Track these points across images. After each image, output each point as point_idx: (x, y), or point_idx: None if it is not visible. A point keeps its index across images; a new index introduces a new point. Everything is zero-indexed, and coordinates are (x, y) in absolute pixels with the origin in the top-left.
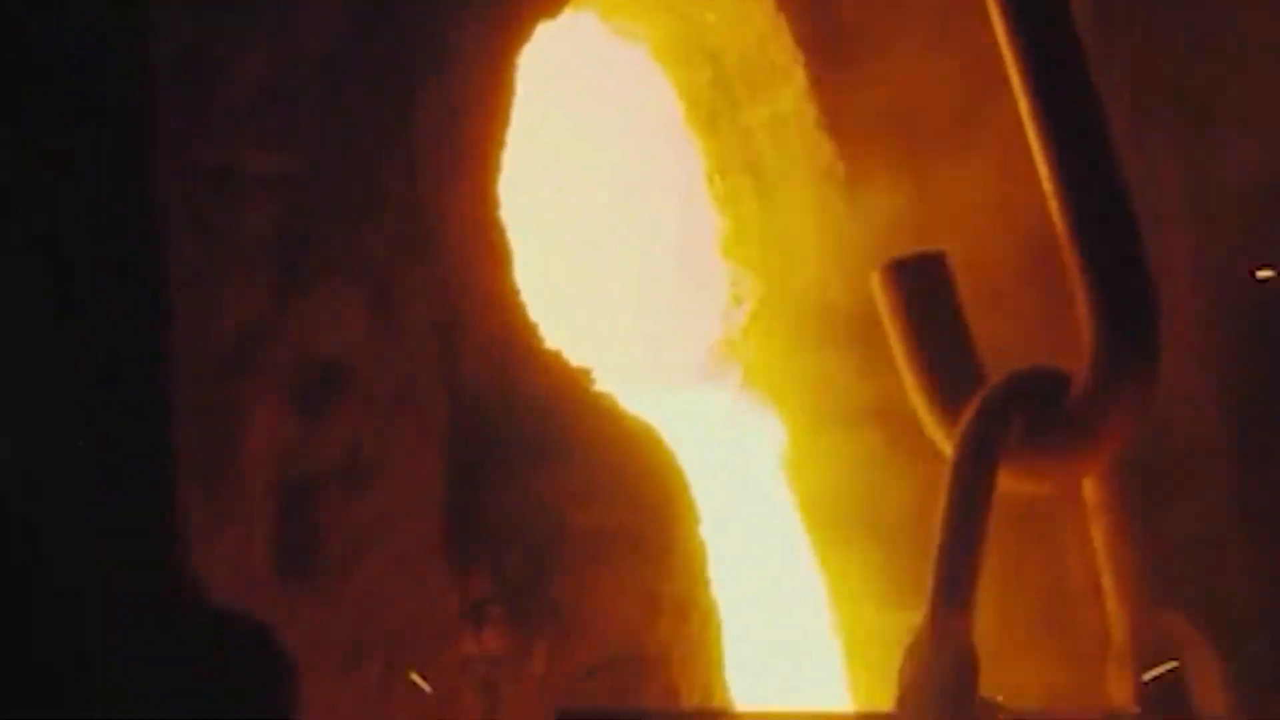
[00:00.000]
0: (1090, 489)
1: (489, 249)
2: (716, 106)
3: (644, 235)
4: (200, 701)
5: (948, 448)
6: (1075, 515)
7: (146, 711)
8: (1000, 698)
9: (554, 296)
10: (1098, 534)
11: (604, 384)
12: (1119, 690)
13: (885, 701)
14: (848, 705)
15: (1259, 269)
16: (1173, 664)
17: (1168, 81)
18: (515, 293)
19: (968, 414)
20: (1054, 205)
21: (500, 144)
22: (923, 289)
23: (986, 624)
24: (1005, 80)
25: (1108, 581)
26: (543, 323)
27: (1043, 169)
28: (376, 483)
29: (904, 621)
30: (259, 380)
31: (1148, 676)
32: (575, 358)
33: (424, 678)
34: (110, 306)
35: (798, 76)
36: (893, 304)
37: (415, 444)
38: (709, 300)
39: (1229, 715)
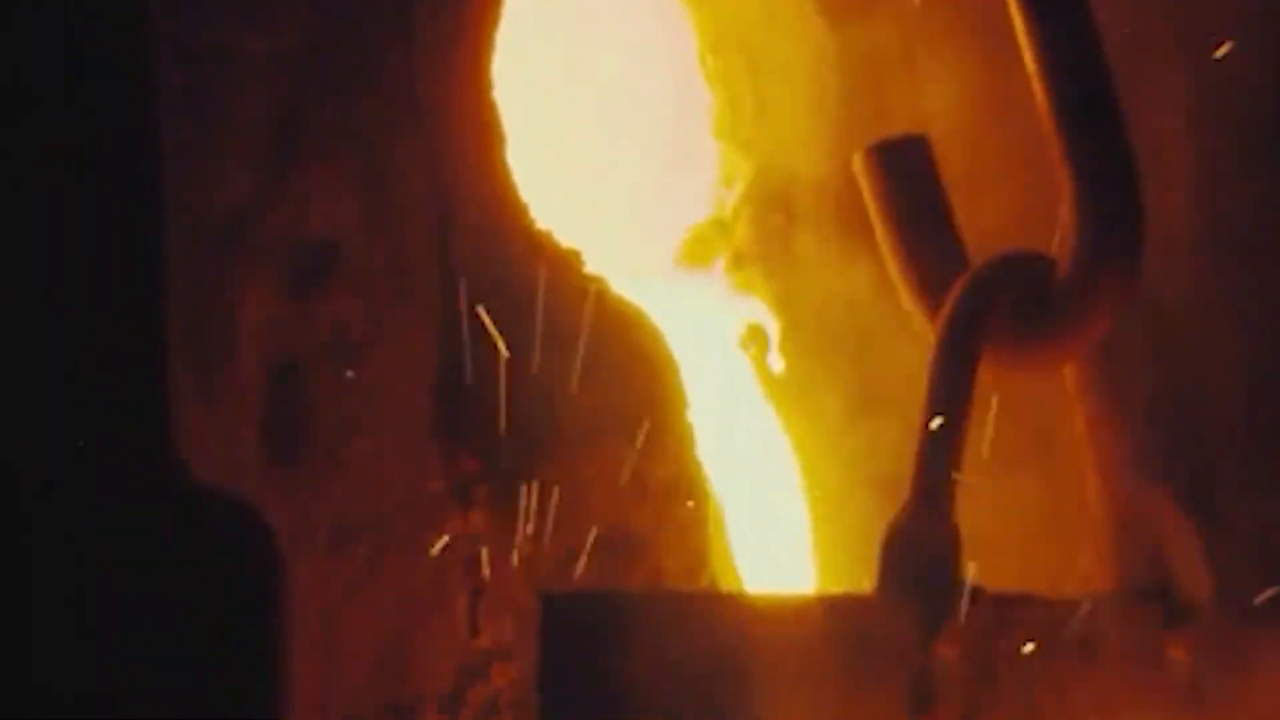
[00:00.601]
0: (1074, 373)
1: (482, 129)
2: None
3: (634, 114)
4: (188, 581)
5: (931, 332)
6: (1063, 400)
7: (134, 589)
8: (983, 582)
9: (543, 177)
10: (1081, 418)
11: (593, 266)
12: (1103, 572)
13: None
14: (829, 585)
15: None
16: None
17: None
18: (507, 173)
19: (950, 298)
20: (1037, 91)
21: (495, 22)
22: (905, 172)
23: (970, 510)
24: None
25: (1092, 465)
26: (533, 204)
27: (1027, 56)
28: (367, 363)
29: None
30: (250, 259)
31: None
32: (565, 240)
33: (410, 558)
34: (101, 185)
35: None
36: (875, 187)
37: (407, 325)
38: (699, 181)
39: (1211, 597)
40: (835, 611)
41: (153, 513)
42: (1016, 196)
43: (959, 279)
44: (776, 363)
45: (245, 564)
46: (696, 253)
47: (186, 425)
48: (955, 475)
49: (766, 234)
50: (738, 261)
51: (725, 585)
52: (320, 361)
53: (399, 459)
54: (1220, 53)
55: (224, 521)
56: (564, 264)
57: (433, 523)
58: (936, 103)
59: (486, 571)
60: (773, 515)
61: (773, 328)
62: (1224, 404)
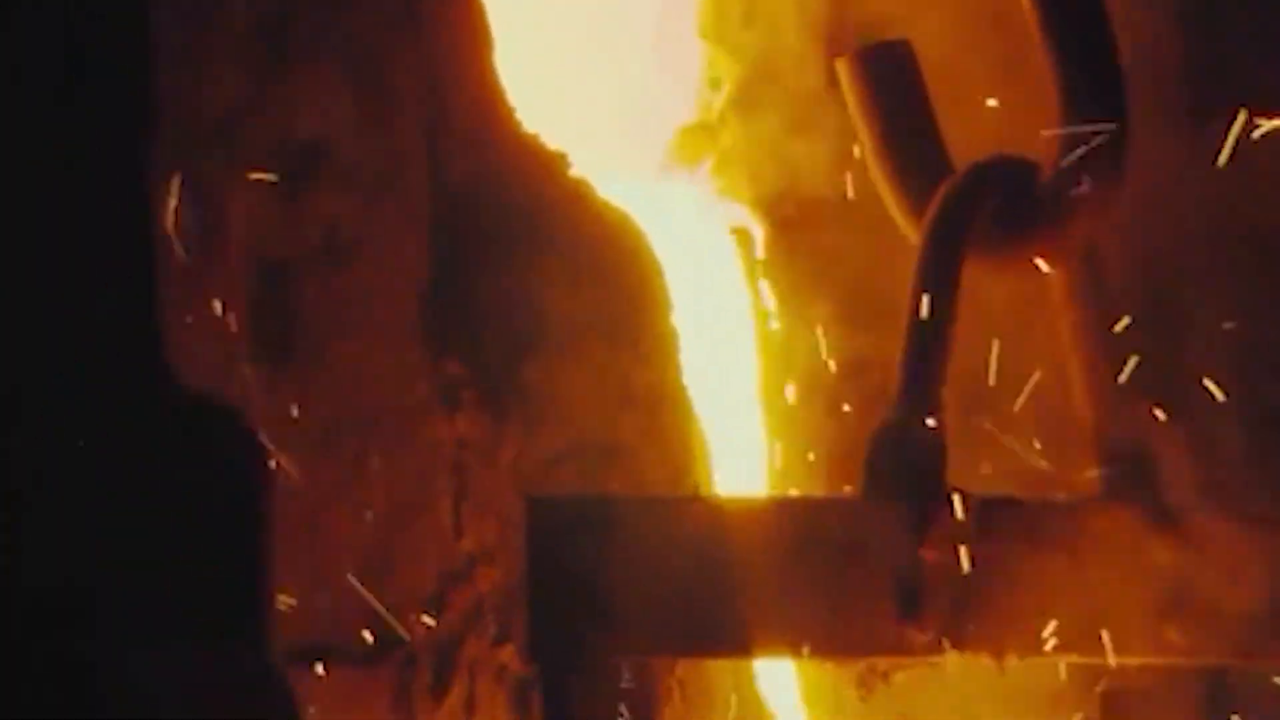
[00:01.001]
0: (1057, 279)
1: (471, 32)
2: None
3: (621, 16)
4: (174, 487)
5: (915, 237)
6: (1043, 306)
7: (120, 494)
8: (967, 486)
9: (529, 79)
10: (1064, 324)
11: (579, 169)
12: (1086, 478)
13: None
14: (815, 489)
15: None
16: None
17: None
18: (495, 76)
19: (934, 203)
20: None
21: None
22: (888, 78)
23: (954, 414)
24: None
25: (1074, 370)
26: (519, 107)
27: None
28: (355, 265)
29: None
30: (240, 161)
31: None
32: (552, 142)
33: (395, 461)
34: (94, 87)
35: None
36: (858, 93)
37: (396, 227)
38: (685, 83)
39: (1195, 502)
40: (822, 515)
41: (140, 418)
42: (1006, 103)
43: (942, 184)
44: (762, 267)
45: (231, 470)
46: (682, 156)
47: (175, 326)
48: (941, 380)
49: (753, 137)
50: (724, 165)
51: (709, 490)
52: (309, 263)
53: (385, 362)
54: None
55: (211, 428)
56: (550, 167)
57: (418, 426)
58: (926, 7)
59: (471, 475)
60: (759, 420)
61: (758, 232)
62: (1207, 307)
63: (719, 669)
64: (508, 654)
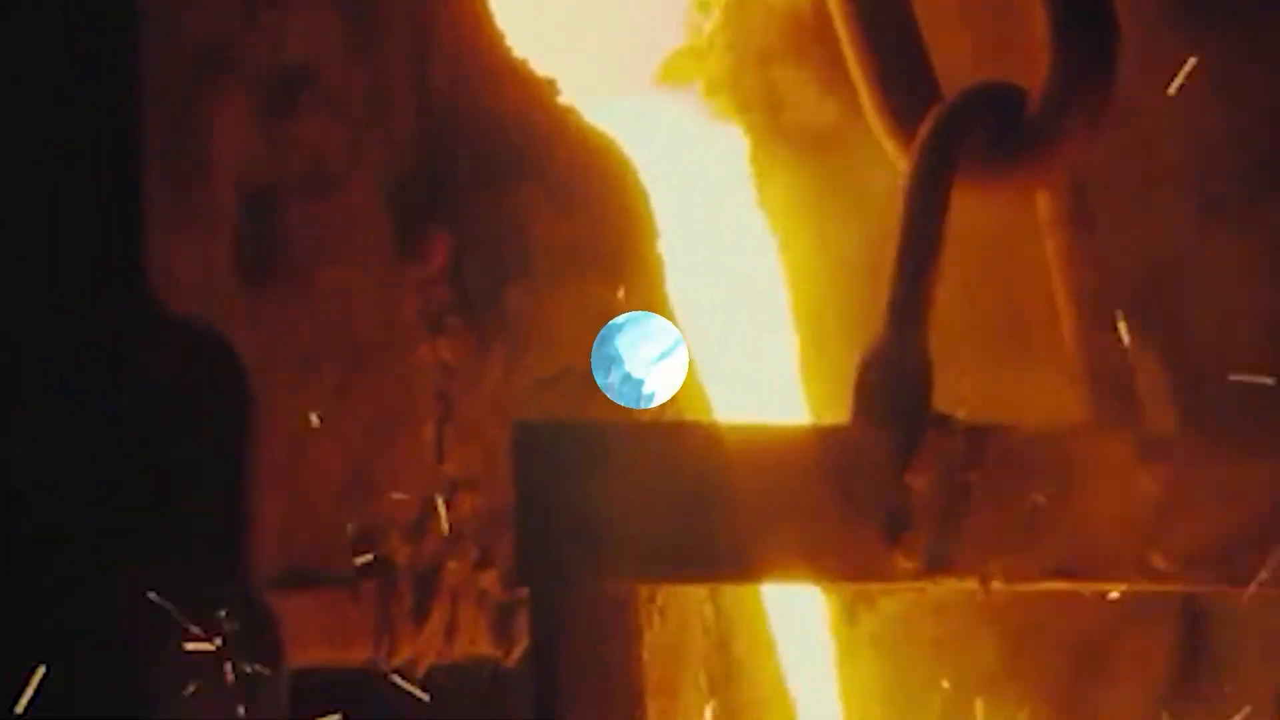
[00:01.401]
0: (1045, 204)
1: None
2: None
3: None
4: (155, 410)
5: (904, 162)
6: (1031, 230)
7: (103, 417)
8: (956, 412)
9: (517, 3)
10: (1051, 249)
11: (567, 94)
12: (1073, 405)
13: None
14: (804, 417)
15: None
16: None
17: None
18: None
19: (924, 127)
20: None
21: None
22: (877, 2)
23: (942, 339)
24: None
25: (1061, 297)
26: (508, 32)
27: None
28: (341, 191)
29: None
30: (227, 85)
31: None
32: (539, 67)
33: (378, 386)
34: (77, 9)
35: None
36: (847, 17)
37: (382, 153)
38: (675, 6)
39: (1178, 429)
40: (809, 441)
41: (124, 340)
42: (992, 30)
43: (931, 109)
44: (751, 194)
45: (215, 396)
46: (670, 81)
47: (160, 250)
48: (928, 305)
49: (742, 63)
50: (712, 90)
51: (697, 416)
52: (295, 189)
53: (370, 286)
54: None
55: (195, 352)
56: (538, 93)
57: (401, 351)
58: None
59: (454, 400)
60: (750, 347)
61: (745, 155)
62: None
63: (696, 596)
64: (489, 579)
